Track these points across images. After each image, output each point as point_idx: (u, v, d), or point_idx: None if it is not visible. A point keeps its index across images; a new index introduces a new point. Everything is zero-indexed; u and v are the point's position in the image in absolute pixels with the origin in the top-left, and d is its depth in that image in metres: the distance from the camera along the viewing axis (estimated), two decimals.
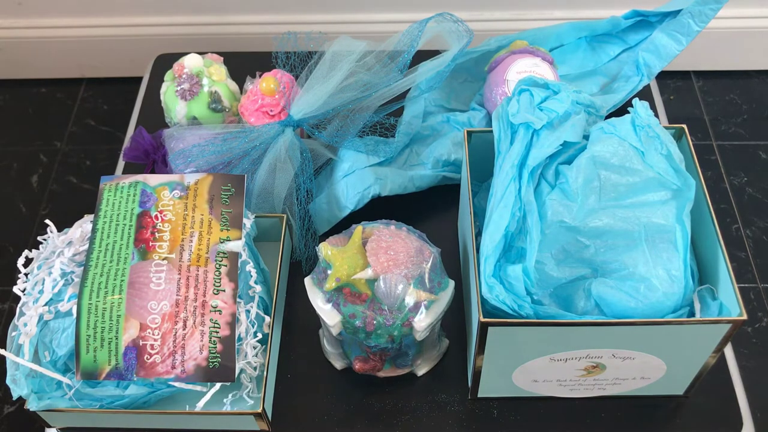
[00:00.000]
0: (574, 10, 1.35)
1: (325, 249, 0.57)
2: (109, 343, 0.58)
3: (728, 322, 0.53)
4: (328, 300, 0.57)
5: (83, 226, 0.65)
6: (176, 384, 0.59)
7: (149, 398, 0.61)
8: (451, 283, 0.59)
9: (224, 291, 0.60)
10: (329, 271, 0.57)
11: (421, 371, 0.65)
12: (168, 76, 0.81)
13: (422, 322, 0.56)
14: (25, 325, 0.59)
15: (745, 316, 0.53)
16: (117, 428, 0.63)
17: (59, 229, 0.65)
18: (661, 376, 0.60)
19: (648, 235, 0.58)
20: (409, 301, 0.56)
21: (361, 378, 0.65)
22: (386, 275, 0.56)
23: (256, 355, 0.62)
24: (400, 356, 0.62)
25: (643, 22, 0.87)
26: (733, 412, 0.64)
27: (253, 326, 0.62)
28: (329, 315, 0.57)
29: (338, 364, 0.65)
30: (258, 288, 0.63)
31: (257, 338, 0.62)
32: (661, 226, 0.58)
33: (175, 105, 0.78)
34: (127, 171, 0.83)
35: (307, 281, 0.59)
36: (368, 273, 0.56)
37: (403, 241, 0.58)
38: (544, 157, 0.59)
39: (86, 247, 0.63)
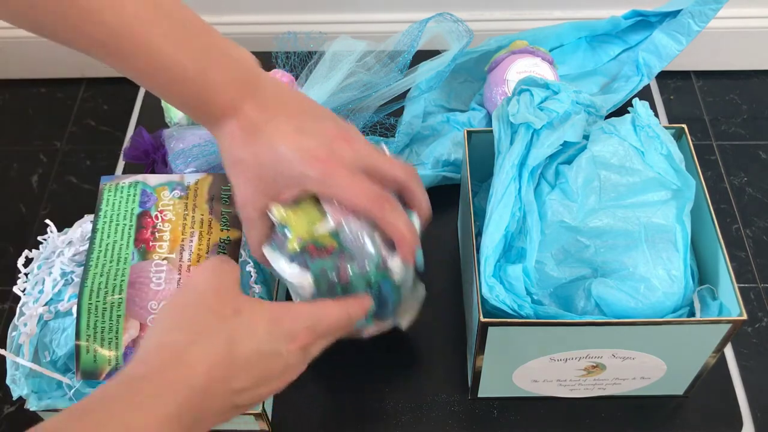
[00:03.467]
0: (574, 10, 1.35)
1: (278, 211, 0.52)
2: (109, 343, 0.58)
3: (728, 322, 0.53)
4: (292, 260, 0.53)
5: (83, 226, 0.65)
6: None
7: None
8: (414, 216, 0.55)
9: None
10: (288, 233, 0.52)
11: (404, 322, 0.61)
12: None
13: (396, 259, 0.53)
14: (25, 325, 0.59)
15: (745, 316, 0.53)
16: None
17: (59, 229, 0.65)
18: (661, 376, 0.60)
19: (648, 235, 0.58)
20: (378, 241, 0.52)
21: (361, 378, 0.66)
22: (348, 220, 0.52)
23: None
24: (380, 307, 0.57)
25: (643, 22, 0.87)
26: (733, 412, 0.64)
27: None
28: (299, 277, 0.52)
29: None
30: (258, 288, 0.63)
31: None
32: (661, 226, 0.58)
33: None
34: (127, 171, 0.83)
35: (266, 249, 0.54)
36: (329, 224, 0.52)
37: None
38: (544, 157, 0.59)
39: (86, 247, 0.63)
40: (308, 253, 0.52)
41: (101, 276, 0.59)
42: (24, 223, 1.30)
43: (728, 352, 0.67)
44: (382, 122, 0.80)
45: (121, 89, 1.49)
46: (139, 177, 0.65)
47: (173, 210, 0.63)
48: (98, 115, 1.46)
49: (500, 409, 0.64)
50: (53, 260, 0.62)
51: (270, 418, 0.63)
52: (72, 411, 0.40)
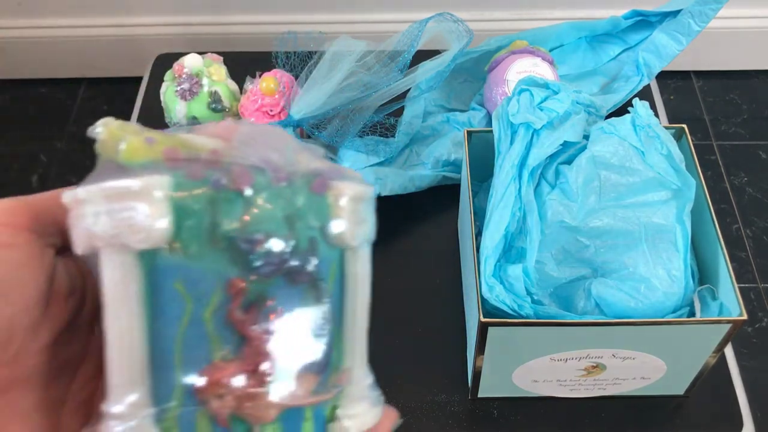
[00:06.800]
0: (574, 10, 1.35)
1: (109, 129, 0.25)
2: None
3: (728, 322, 0.53)
4: (131, 175, 0.24)
5: None
6: None
7: None
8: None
9: None
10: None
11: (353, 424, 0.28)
12: (168, 76, 0.81)
13: (348, 189, 0.27)
14: None
15: (745, 316, 0.53)
16: None
17: None
18: (661, 376, 0.60)
19: (648, 235, 0.58)
20: (310, 161, 0.27)
21: None
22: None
23: None
24: (304, 294, 0.26)
25: (643, 22, 0.87)
26: (733, 412, 0.64)
27: None
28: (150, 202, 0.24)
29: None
30: None
31: None
32: (661, 226, 0.58)
33: (175, 105, 0.78)
34: None
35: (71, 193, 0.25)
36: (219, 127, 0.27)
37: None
38: (544, 157, 0.59)
39: None
40: (163, 163, 0.25)
41: None
42: None
43: (728, 352, 0.67)
44: (382, 122, 0.80)
45: (121, 89, 1.49)
46: None
47: None
48: (98, 115, 1.45)
49: (500, 409, 0.64)
50: None
51: None
52: None
